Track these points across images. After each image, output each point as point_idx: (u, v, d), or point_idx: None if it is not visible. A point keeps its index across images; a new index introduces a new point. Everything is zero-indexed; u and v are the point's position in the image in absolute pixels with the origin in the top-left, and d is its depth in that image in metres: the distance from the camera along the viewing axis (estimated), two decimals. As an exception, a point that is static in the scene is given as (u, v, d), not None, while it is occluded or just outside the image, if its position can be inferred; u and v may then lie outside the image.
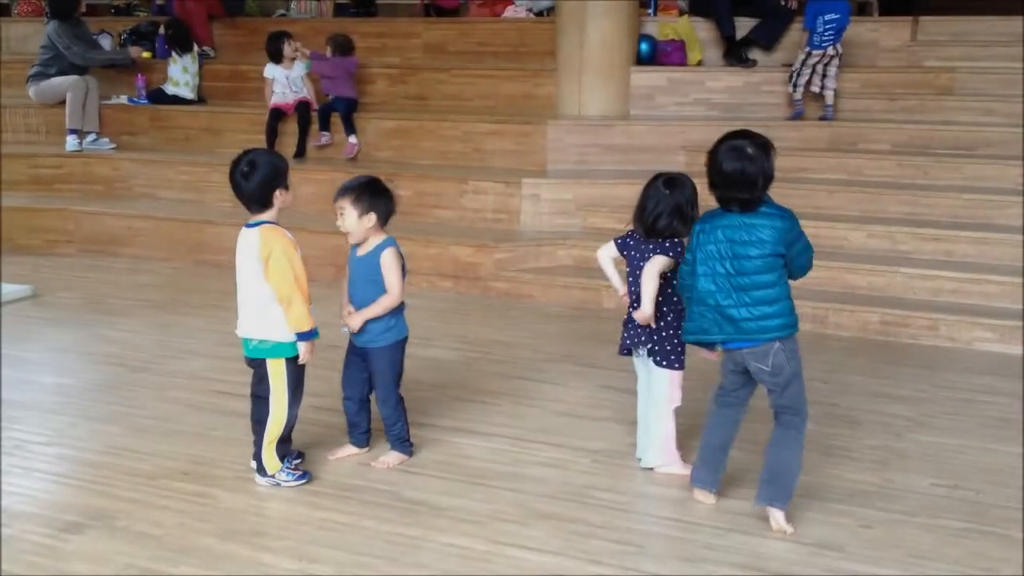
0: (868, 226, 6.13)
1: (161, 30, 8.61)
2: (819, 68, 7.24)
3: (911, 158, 6.73)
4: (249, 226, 3.62)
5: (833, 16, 7.25)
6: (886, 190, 6.41)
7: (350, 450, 3.97)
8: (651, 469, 3.86)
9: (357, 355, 3.85)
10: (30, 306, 6.11)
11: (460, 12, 9.66)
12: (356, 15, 9.85)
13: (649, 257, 3.68)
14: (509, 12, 9.12)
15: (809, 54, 7.25)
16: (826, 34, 7.26)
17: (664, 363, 3.75)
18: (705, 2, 8.07)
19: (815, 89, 7.27)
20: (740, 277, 3.30)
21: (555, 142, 7.30)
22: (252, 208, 3.62)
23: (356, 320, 3.75)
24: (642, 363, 3.87)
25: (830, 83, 7.22)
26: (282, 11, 10.31)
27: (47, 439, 4.16)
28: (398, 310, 3.81)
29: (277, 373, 3.62)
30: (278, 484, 3.68)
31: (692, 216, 3.67)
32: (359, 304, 3.76)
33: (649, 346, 3.76)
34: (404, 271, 3.80)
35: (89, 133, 8.40)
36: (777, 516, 3.40)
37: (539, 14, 9.19)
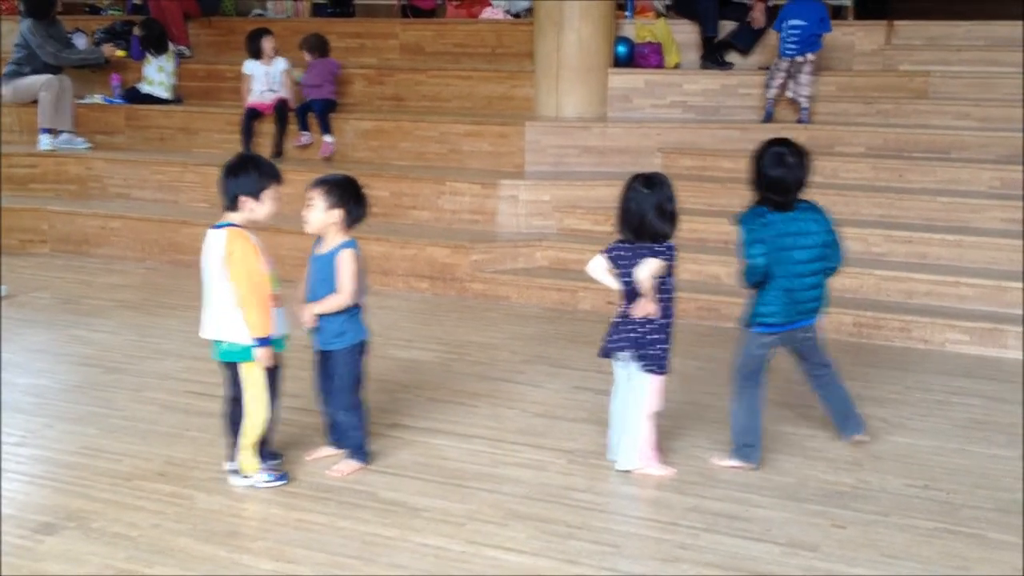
0: (842, 228, 6.10)
1: (136, 31, 8.54)
2: (792, 73, 7.25)
3: (886, 161, 6.78)
4: (216, 227, 3.61)
5: (798, 23, 7.18)
6: (861, 193, 6.46)
7: (327, 451, 3.95)
8: (627, 472, 3.86)
9: (322, 359, 3.83)
10: (3, 306, 6.06)
11: (437, 13, 9.65)
12: (333, 15, 9.82)
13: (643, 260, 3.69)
14: (486, 13, 9.12)
15: (779, 59, 7.27)
16: (789, 40, 7.21)
17: (652, 368, 3.77)
18: (690, 3, 8.09)
19: (789, 95, 7.30)
20: (799, 265, 3.76)
21: (532, 143, 7.31)
22: (225, 206, 3.61)
23: (305, 313, 3.72)
24: (622, 367, 3.86)
25: (801, 90, 7.23)
26: (259, 11, 10.27)
27: (21, 440, 4.12)
28: (353, 313, 3.76)
29: (252, 377, 3.59)
30: (255, 486, 3.66)
31: (672, 212, 3.72)
32: (310, 302, 3.76)
33: (636, 351, 3.75)
34: (363, 275, 3.76)
35: (63, 132, 8.33)
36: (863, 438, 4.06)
37: (516, 15, 9.21)
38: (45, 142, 8.19)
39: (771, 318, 3.83)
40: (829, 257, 3.89)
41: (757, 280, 3.83)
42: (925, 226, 6.19)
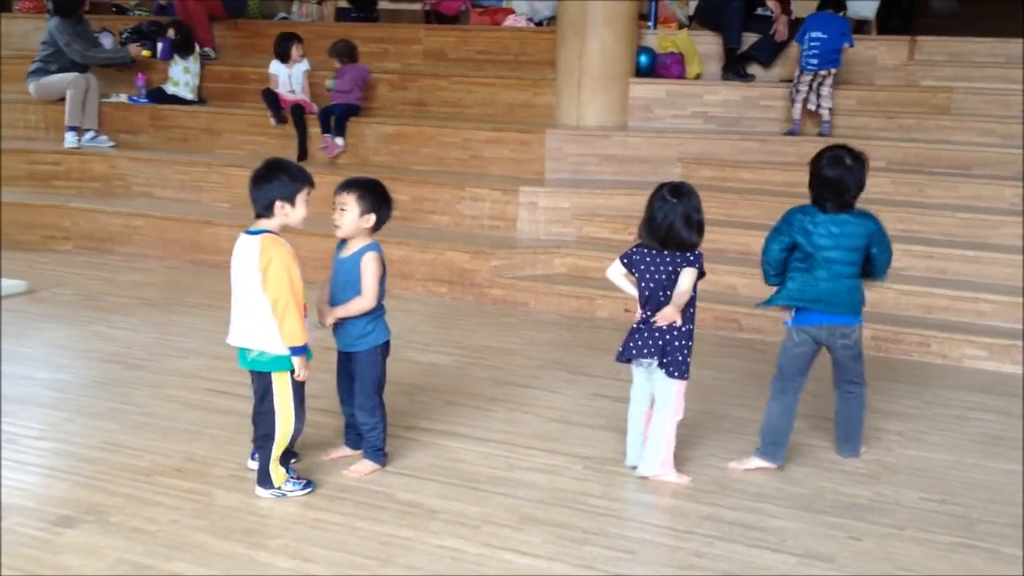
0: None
1: (170, 34, 8.61)
2: (814, 87, 7.26)
3: (907, 176, 6.78)
4: (249, 233, 3.57)
5: (819, 35, 7.18)
6: (882, 207, 6.40)
7: (344, 451, 3.98)
8: (645, 477, 3.88)
9: (342, 360, 3.85)
10: (25, 302, 6.12)
11: (461, 20, 9.71)
12: (357, 20, 9.89)
13: (671, 269, 3.74)
14: (509, 21, 9.16)
15: (801, 72, 7.28)
16: (810, 53, 7.21)
17: (675, 373, 3.79)
18: (713, 14, 8.10)
19: (811, 107, 7.31)
20: (835, 265, 3.83)
21: (553, 151, 7.34)
22: (257, 212, 3.57)
23: (328, 316, 3.74)
24: (643, 372, 3.89)
25: (824, 103, 7.24)
26: (283, 14, 10.34)
27: (41, 433, 4.17)
28: (377, 315, 3.78)
29: (282, 387, 3.55)
30: (284, 495, 3.61)
31: (699, 222, 3.76)
32: (336, 305, 3.76)
33: (662, 358, 3.78)
34: (384, 277, 3.78)
35: (88, 130, 8.41)
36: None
37: (539, 23, 9.24)
38: (70, 140, 8.26)
39: (795, 293, 3.87)
40: (874, 266, 3.97)
41: (771, 270, 3.96)
42: (945, 241, 6.18)
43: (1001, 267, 5.91)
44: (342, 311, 3.73)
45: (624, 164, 7.31)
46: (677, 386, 3.82)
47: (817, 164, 3.87)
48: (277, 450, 3.59)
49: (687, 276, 3.74)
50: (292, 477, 3.66)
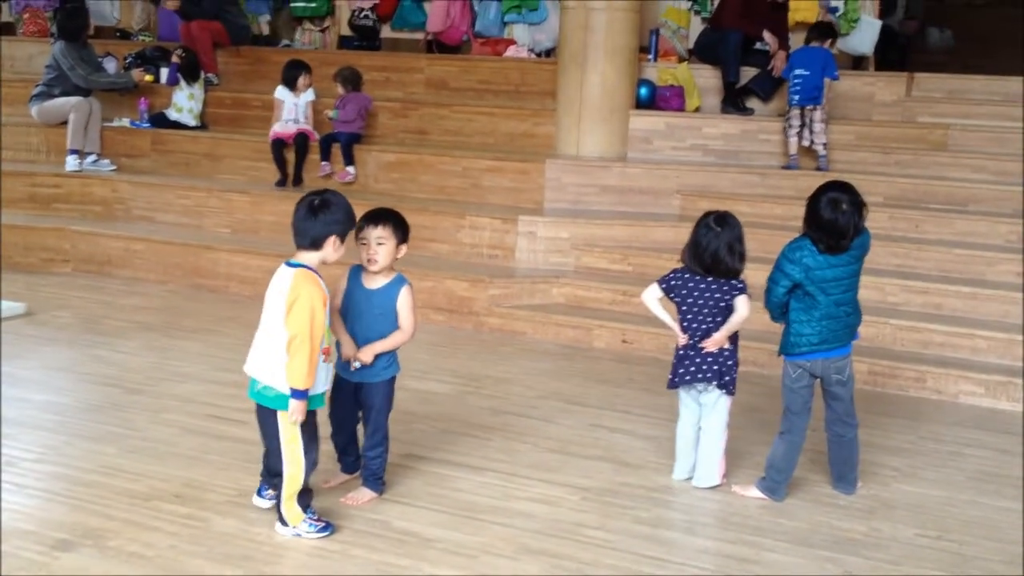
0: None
1: (175, 59, 8.67)
2: (806, 121, 7.31)
3: (903, 211, 6.82)
4: (289, 265, 3.47)
5: (802, 72, 7.23)
6: (878, 242, 6.37)
7: (342, 477, 3.99)
8: (710, 488, 4.08)
9: (348, 390, 3.83)
10: (24, 324, 6.13)
11: (463, 49, 9.79)
12: (360, 48, 9.97)
13: (717, 296, 3.94)
14: (511, 51, 9.24)
15: (789, 107, 7.34)
16: (794, 89, 7.26)
17: (733, 390, 4.03)
18: (712, 48, 8.19)
19: (805, 143, 7.35)
20: (837, 295, 3.91)
21: (552, 181, 7.39)
22: (302, 244, 3.47)
23: (368, 354, 3.70)
24: (695, 395, 4.09)
25: (817, 138, 7.29)
26: (287, 41, 10.43)
27: (40, 456, 4.17)
28: None
29: (288, 426, 3.45)
30: (299, 535, 3.53)
31: (742, 252, 3.93)
32: (363, 338, 3.73)
33: (720, 379, 3.99)
34: None
35: (90, 154, 8.45)
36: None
37: (540, 54, 9.33)
38: (72, 163, 8.30)
39: (819, 347, 3.93)
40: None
41: (775, 308, 4.00)
42: (941, 277, 6.22)
43: (997, 304, 5.94)
44: (382, 346, 3.70)
45: (623, 195, 7.36)
46: (729, 401, 4.05)
47: (815, 204, 3.88)
48: (288, 489, 3.49)
49: (743, 303, 3.95)
50: (312, 519, 3.54)
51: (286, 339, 3.39)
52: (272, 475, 3.58)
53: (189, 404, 4.88)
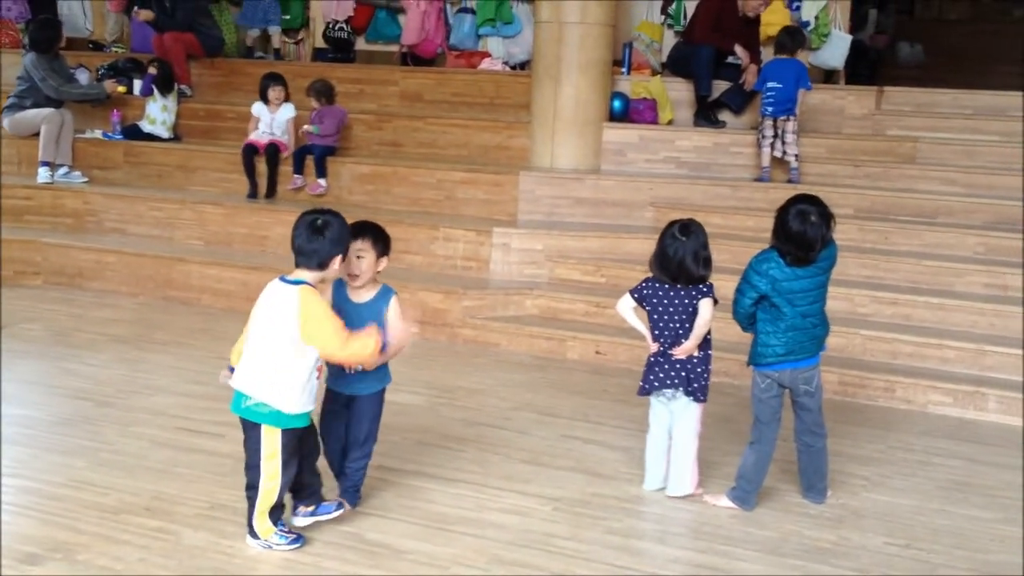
0: (829, 288, 6.24)
1: (151, 70, 8.64)
2: (779, 133, 7.38)
3: (873, 223, 6.89)
4: (287, 282, 3.43)
5: (775, 85, 7.29)
6: (848, 253, 6.51)
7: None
8: (682, 497, 4.10)
9: (340, 403, 3.80)
10: (-6, 336, 6.09)
11: (437, 62, 9.81)
12: (334, 61, 9.97)
13: (685, 302, 3.98)
14: (485, 64, 9.28)
15: (763, 119, 7.40)
16: (767, 101, 7.32)
17: (701, 398, 4.05)
18: (685, 62, 8.25)
19: (777, 155, 7.42)
20: (805, 306, 3.95)
21: (526, 193, 7.41)
22: (307, 264, 3.43)
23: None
24: (664, 402, 4.11)
25: (790, 149, 7.35)
26: (260, 53, 10.41)
27: (9, 470, 4.13)
28: None
29: (271, 442, 3.43)
30: (270, 547, 3.51)
31: (708, 257, 3.99)
32: None
33: (688, 387, 4.02)
34: None
35: (61, 166, 8.40)
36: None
37: (515, 67, 9.37)
38: (44, 175, 8.25)
39: (785, 358, 3.96)
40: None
41: (743, 319, 4.03)
42: (910, 288, 6.28)
43: (965, 314, 6.01)
44: (383, 357, 3.69)
45: (597, 207, 7.39)
46: (700, 409, 4.07)
47: (783, 216, 3.91)
48: (262, 503, 3.48)
49: (706, 307, 3.99)
50: (282, 531, 3.53)
51: (321, 352, 3.41)
52: (248, 488, 3.54)
53: (160, 417, 4.85)
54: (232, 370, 3.54)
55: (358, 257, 3.65)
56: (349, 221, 3.65)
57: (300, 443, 3.52)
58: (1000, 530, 4.02)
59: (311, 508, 3.64)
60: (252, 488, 3.51)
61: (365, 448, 3.84)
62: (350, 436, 3.83)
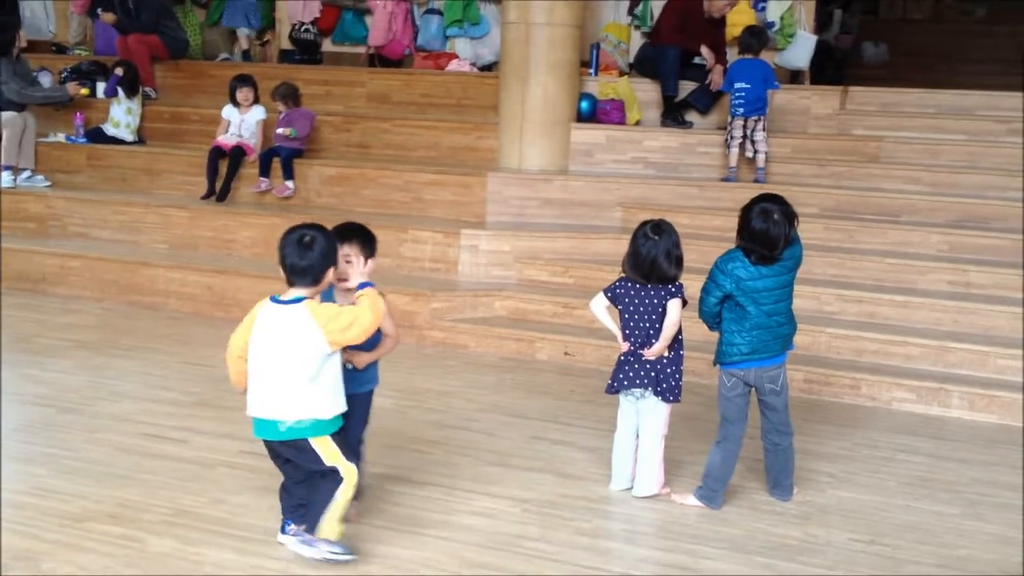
0: (796, 287, 6.28)
1: (117, 71, 8.55)
2: (748, 133, 7.42)
3: (838, 222, 6.94)
4: (285, 302, 3.37)
5: (743, 85, 7.34)
6: (814, 252, 6.54)
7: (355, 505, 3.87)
8: (648, 497, 4.10)
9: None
10: (-45, 343, 6.00)
11: (404, 63, 9.79)
12: (301, 62, 9.92)
13: (656, 301, 3.99)
14: (453, 65, 9.26)
15: (732, 119, 7.44)
16: (737, 101, 7.37)
17: (671, 398, 4.05)
18: (651, 63, 8.28)
19: (748, 154, 7.46)
20: (772, 305, 3.97)
21: (495, 194, 7.41)
22: (302, 281, 3.37)
23: (363, 359, 3.69)
24: (632, 401, 4.12)
25: (760, 147, 7.41)
26: (225, 55, 10.34)
27: (-30, 479, 4.08)
28: None
29: (326, 447, 3.39)
30: (328, 559, 3.41)
31: (679, 257, 4.00)
32: (348, 351, 3.65)
33: (656, 387, 4.03)
34: None
35: (24, 170, 8.31)
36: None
37: (483, 68, 9.36)
38: (6, 179, 8.16)
39: (749, 356, 3.98)
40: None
41: (709, 319, 4.07)
42: (875, 286, 6.34)
43: (929, 312, 6.07)
44: (378, 354, 3.72)
45: (565, 208, 7.40)
46: (667, 409, 4.09)
47: (747, 215, 3.96)
48: (342, 500, 3.42)
49: (674, 308, 4.00)
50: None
51: (338, 357, 3.42)
52: (299, 505, 3.52)
53: (124, 423, 4.80)
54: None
55: (347, 262, 3.63)
56: (325, 223, 3.60)
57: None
58: (964, 525, 4.07)
59: (303, 528, 3.53)
60: (302, 505, 3.51)
61: (358, 445, 3.82)
62: (348, 437, 3.78)
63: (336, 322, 3.36)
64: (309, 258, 3.35)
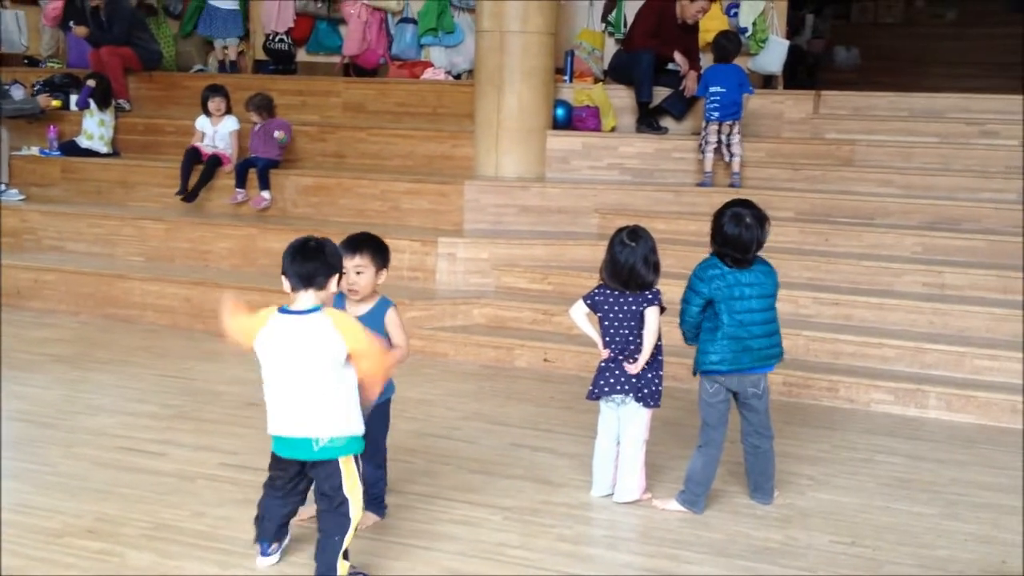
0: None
1: (90, 83, 8.51)
2: (723, 138, 7.46)
3: (813, 225, 6.99)
4: (299, 313, 3.25)
5: (718, 89, 7.39)
6: (789, 256, 6.63)
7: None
8: (629, 503, 4.11)
9: None
10: (-71, 359, 5.94)
11: (379, 72, 9.79)
12: (275, 72, 9.90)
13: (634, 308, 4.00)
14: (428, 74, 9.26)
15: (707, 124, 7.48)
16: (712, 106, 7.42)
17: (651, 403, 4.06)
18: (626, 69, 8.31)
19: (726, 159, 7.51)
20: (750, 314, 3.98)
21: (471, 202, 7.41)
22: (312, 286, 3.25)
23: (374, 390, 3.56)
24: (613, 407, 4.13)
25: (735, 149, 7.46)
26: (199, 66, 10.31)
27: (-55, 496, 4.04)
28: None
29: (351, 470, 3.29)
30: None
31: (656, 263, 4.02)
32: None
33: (637, 393, 4.03)
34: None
35: (-3, 183, 8.25)
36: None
37: (458, 76, 9.38)
38: (-22, 193, 8.10)
39: (718, 365, 3.99)
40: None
41: (689, 329, 4.07)
42: (851, 289, 6.38)
43: (904, 313, 6.12)
44: (387, 371, 3.63)
45: (542, 215, 7.42)
46: (648, 415, 4.10)
47: (719, 220, 4.00)
48: (349, 537, 3.31)
49: (652, 316, 4.01)
50: (354, 571, 3.41)
51: (352, 374, 3.26)
52: (282, 526, 3.50)
53: (101, 437, 4.77)
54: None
55: (358, 273, 3.61)
56: (297, 234, 3.53)
57: None
58: (943, 525, 4.10)
59: (277, 545, 3.54)
60: (283, 526, 3.50)
61: (377, 459, 3.81)
62: (378, 447, 3.81)
63: (359, 339, 3.23)
64: (317, 262, 3.25)
